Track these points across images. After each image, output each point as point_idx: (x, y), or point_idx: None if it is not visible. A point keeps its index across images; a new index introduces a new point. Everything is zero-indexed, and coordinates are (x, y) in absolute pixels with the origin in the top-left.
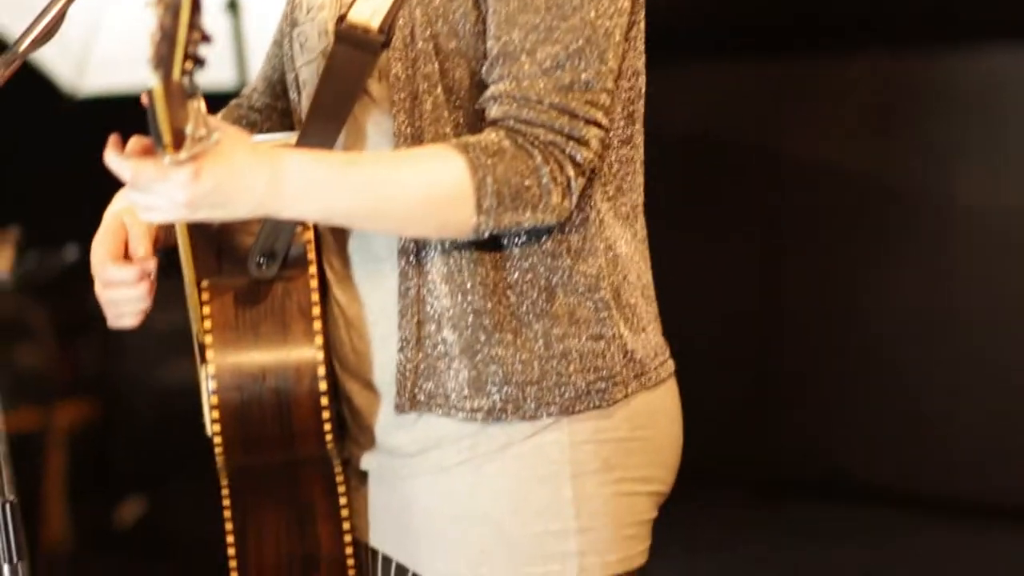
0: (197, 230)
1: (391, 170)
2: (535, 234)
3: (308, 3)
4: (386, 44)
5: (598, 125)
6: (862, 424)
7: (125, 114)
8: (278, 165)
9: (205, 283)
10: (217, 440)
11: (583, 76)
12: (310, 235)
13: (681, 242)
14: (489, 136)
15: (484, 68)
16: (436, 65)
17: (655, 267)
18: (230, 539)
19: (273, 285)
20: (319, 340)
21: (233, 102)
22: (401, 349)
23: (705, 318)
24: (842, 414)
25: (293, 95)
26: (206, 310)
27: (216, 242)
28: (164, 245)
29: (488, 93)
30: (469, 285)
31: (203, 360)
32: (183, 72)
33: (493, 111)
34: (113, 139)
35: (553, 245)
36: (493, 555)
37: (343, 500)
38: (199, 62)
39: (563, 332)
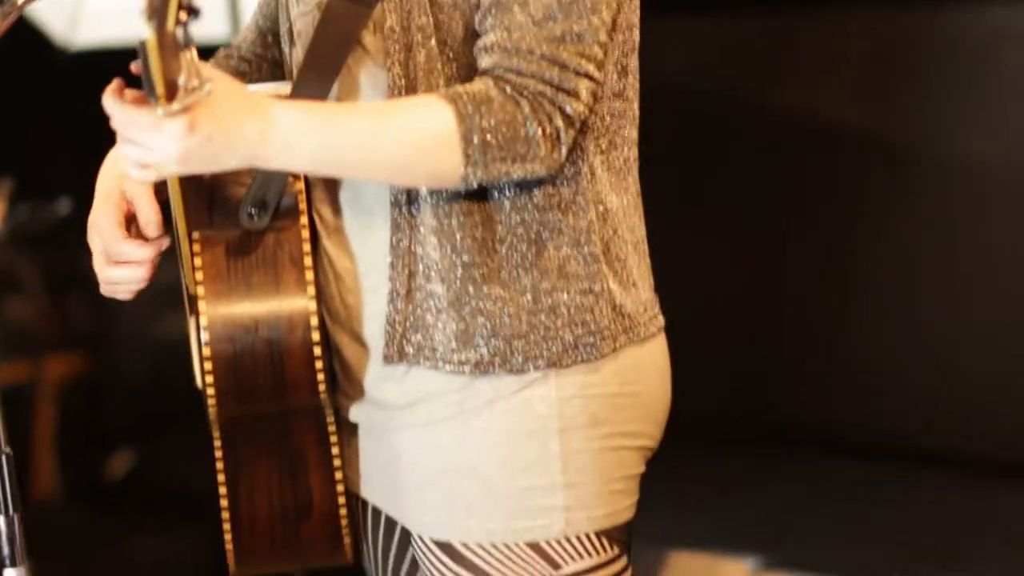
0: (188, 182)
1: (380, 120)
2: (525, 187)
3: None
4: None
5: (589, 77)
6: (858, 377)
7: (118, 67)
8: (269, 115)
9: (196, 235)
10: (210, 391)
11: (575, 28)
12: (301, 185)
13: (676, 199)
14: (477, 85)
15: (476, 18)
16: (430, 17)
17: (648, 224)
18: (222, 490)
19: (265, 236)
20: (311, 290)
21: (222, 51)
22: (391, 301)
23: (699, 274)
24: (838, 368)
25: (286, 46)
26: (197, 261)
27: (207, 194)
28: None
29: (480, 43)
30: (458, 238)
31: (194, 312)
32: (177, 23)
33: (484, 61)
34: (116, 83)
35: (543, 198)
36: (480, 509)
37: (335, 451)
38: (194, 12)
39: (552, 286)
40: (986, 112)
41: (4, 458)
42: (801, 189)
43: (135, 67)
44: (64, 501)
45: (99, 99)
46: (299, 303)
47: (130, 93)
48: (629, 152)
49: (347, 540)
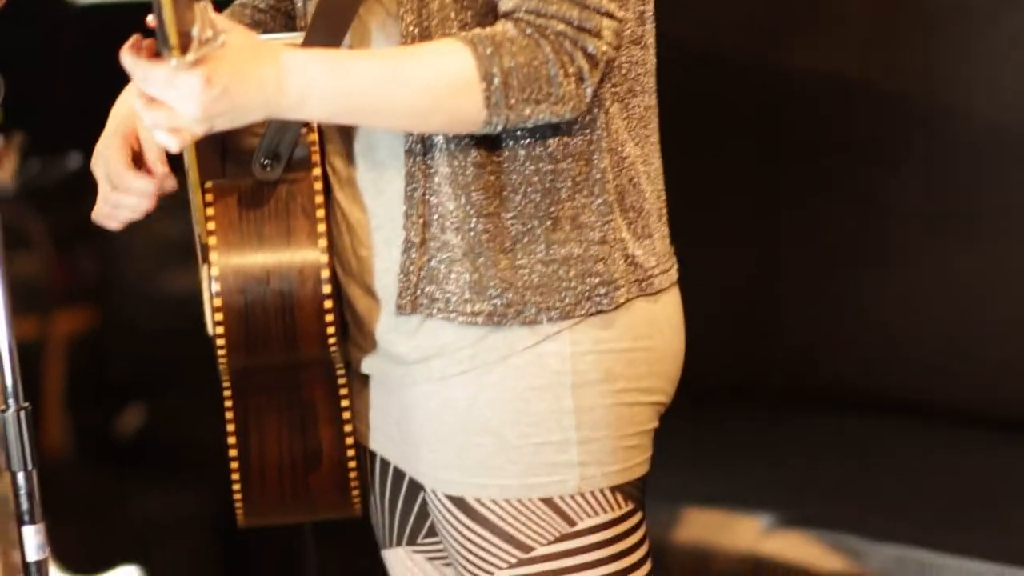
0: None
1: (397, 65)
2: (540, 136)
3: None
4: None
5: (611, 16)
6: (875, 335)
7: (126, 20)
8: (284, 64)
9: (209, 184)
10: (220, 342)
11: None
12: (314, 136)
13: (680, 152)
14: (497, 28)
15: None
16: None
17: None
18: (232, 440)
19: (277, 187)
20: (323, 242)
21: (237, 2)
22: (405, 251)
23: (704, 230)
24: (855, 325)
25: None
26: (210, 211)
27: (220, 144)
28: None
29: None
30: (472, 187)
31: (206, 261)
32: None
33: (504, 4)
34: (134, 39)
35: (558, 147)
36: (493, 465)
37: (345, 403)
38: None
39: (565, 236)
40: (994, 66)
41: (23, 413)
42: (803, 142)
43: (150, 20)
44: (73, 457)
45: (108, 53)
46: (311, 255)
47: (146, 44)
48: (649, 100)
49: (356, 493)
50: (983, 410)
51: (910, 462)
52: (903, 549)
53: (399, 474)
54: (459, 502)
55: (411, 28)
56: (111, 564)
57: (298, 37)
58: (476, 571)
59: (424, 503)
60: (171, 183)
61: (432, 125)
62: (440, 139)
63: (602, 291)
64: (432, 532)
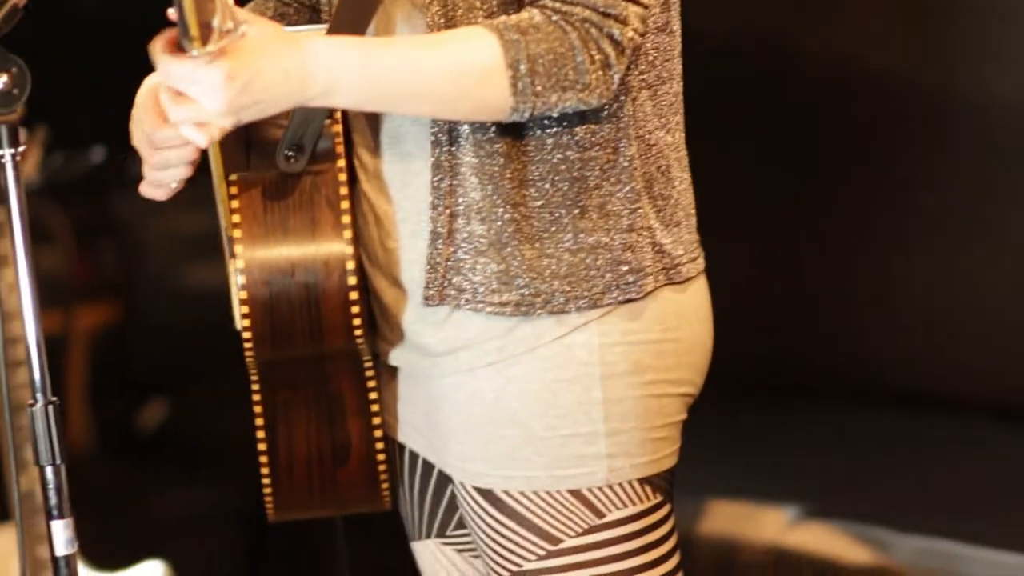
0: None
1: (424, 52)
2: (567, 124)
3: None
4: None
5: (637, 3)
6: (900, 327)
7: (149, 14)
8: (308, 53)
9: (233, 177)
10: (247, 335)
11: None
12: (339, 128)
13: (708, 141)
14: (523, 15)
15: None
16: None
17: None
18: (260, 435)
19: (302, 179)
20: (348, 234)
21: None
22: (431, 242)
23: (727, 220)
24: (881, 317)
25: None
26: (234, 204)
27: (244, 136)
28: None
29: None
30: (499, 177)
31: (232, 255)
32: None
33: None
34: (168, 34)
35: (585, 135)
36: (521, 457)
37: (373, 396)
38: None
39: (592, 225)
40: (1020, 51)
41: (51, 407)
42: (833, 129)
43: (171, 13)
44: (96, 451)
45: (131, 47)
46: (336, 247)
47: (168, 35)
48: (676, 87)
49: (385, 486)
50: (1010, 402)
51: (936, 454)
52: (929, 540)
53: (428, 466)
54: (487, 494)
55: (437, 18)
56: (134, 559)
57: (322, 29)
58: (504, 563)
59: (453, 495)
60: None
61: (458, 112)
62: (466, 128)
63: (630, 279)
64: (461, 524)
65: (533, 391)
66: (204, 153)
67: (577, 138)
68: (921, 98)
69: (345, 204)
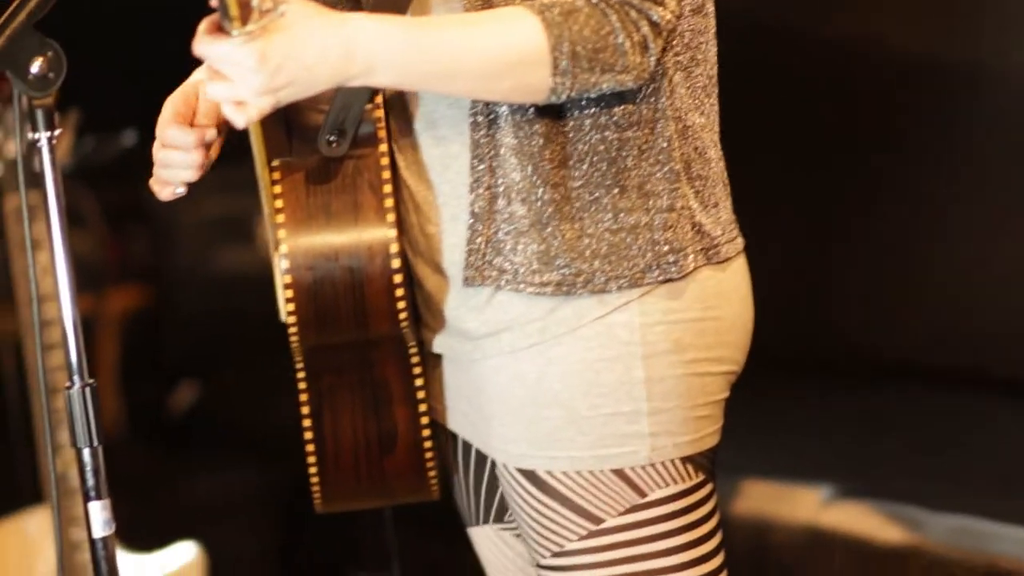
0: None
1: (466, 30)
2: (605, 105)
3: None
4: None
5: None
6: (936, 308)
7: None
8: (350, 30)
9: (276, 162)
10: (291, 320)
11: None
12: (380, 113)
13: (733, 122)
14: None
15: None
16: None
17: None
18: (307, 423)
19: (344, 163)
20: (391, 218)
21: None
22: (472, 223)
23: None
24: (916, 297)
25: None
26: (277, 189)
27: (286, 121)
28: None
29: None
30: (538, 157)
31: (275, 241)
32: None
33: None
34: (213, 17)
35: (623, 116)
36: (563, 437)
37: (419, 382)
38: None
39: (632, 204)
40: None
41: (88, 389)
42: (861, 108)
43: None
44: (127, 434)
45: (163, 31)
46: (379, 231)
47: (211, 18)
48: (711, 70)
49: (432, 474)
50: None
51: (970, 432)
52: (963, 519)
53: (481, 455)
54: (530, 475)
55: (476, 1)
56: (166, 542)
57: None
58: (546, 543)
59: None
60: (210, 134)
61: (497, 93)
62: (505, 110)
63: (670, 259)
64: None
65: (575, 371)
66: (241, 137)
67: (615, 119)
68: (957, 79)
69: (388, 188)
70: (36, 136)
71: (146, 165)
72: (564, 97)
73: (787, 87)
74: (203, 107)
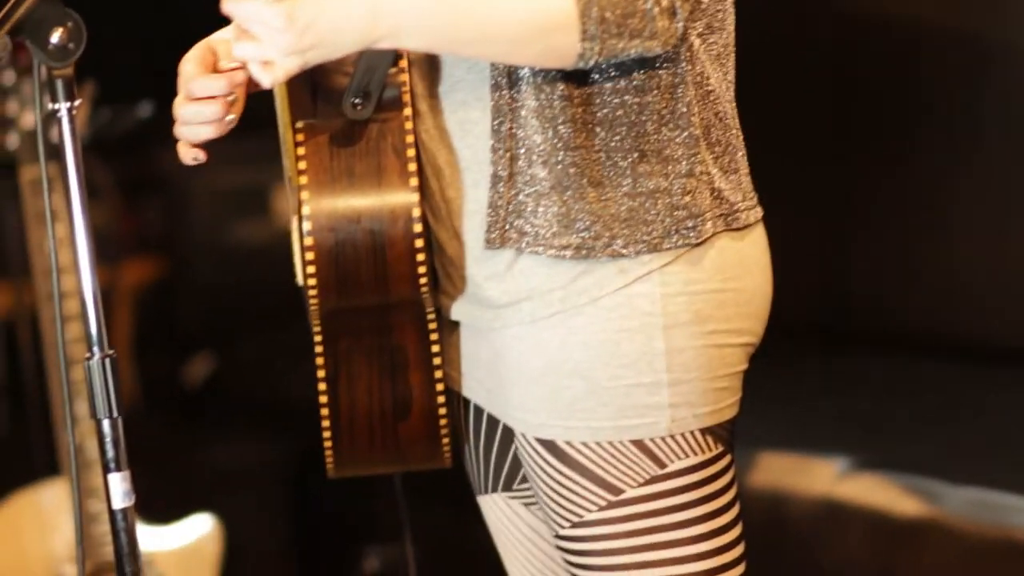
0: None
1: None
2: (625, 70)
3: None
4: None
5: None
6: (950, 278)
7: None
8: None
9: (300, 124)
10: (311, 282)
11: None
12: (405, 77)
13: (749, 93)
14: None
15: None
16: None
17: None
18: (322, 387)
19: (368, 126)
20: (414, 182)
21: None
22: (493, 185)
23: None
24: (930, 269)
25: None
26: (300, 151)
27: (311, 83)
28: (253, 90)
29: None
30: (560, 120)
31: (297, 205)
32: None
33: None
34: None
35: (643, 80)
36: (583, 408)
37: (436, 348)
38: None
39: (651, 169)
40: None
41: (108, 360)
42: (875, 82)
43: None
44: (142, 406)
45: (180, 2)
46: (402, 195)
47: None
48: (727, 39)
49: (446, 442)
50: None
51: (988, 404)
52: (981, 491)
53: (494, 420)
54: (549, 445)
55: None
56: (181, 513)
57: None
58: (565, 514)
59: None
60: (239, 76)
61: (524, 58)
62: (527, 72)
63: (689, 224)
64: (527, 478)
65: (596, 341)
66: (255, 109)
67: (635, 83)
68: (976, 51)
69: (411, 152)
70: (56, 107)
71: (162, 137)
72: (591, 63)
73: (806, 62)
74: (225, 50)
